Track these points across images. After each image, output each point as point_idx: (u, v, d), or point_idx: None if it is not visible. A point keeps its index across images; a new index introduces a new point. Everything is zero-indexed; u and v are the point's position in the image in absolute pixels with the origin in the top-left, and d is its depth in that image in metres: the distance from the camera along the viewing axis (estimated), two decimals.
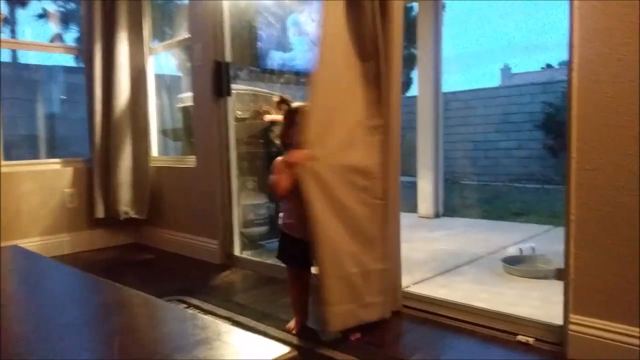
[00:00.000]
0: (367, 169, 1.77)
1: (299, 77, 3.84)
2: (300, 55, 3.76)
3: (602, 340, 1.48)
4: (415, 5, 4.32)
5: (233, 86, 2.91)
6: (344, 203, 1.70)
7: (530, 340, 1.65)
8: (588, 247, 1.51)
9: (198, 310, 2.06)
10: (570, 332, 1.55)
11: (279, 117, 3.04)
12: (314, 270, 1.77)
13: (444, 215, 4.19)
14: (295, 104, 1.80)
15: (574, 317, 1.55)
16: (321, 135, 1.66)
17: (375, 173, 1.79)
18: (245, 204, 2.97)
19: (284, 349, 0.68)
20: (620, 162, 1.43)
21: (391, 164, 1.84)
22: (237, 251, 2.90)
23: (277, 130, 1.85)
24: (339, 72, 1.73)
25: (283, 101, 1.83)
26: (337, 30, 1.73)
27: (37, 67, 5.57)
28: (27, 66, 5.80)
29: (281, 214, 1.84)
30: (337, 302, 1.68)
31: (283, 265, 1.90)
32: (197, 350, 0.72)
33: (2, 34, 3.36)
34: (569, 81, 1.51)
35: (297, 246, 1.77)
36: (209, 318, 0.83)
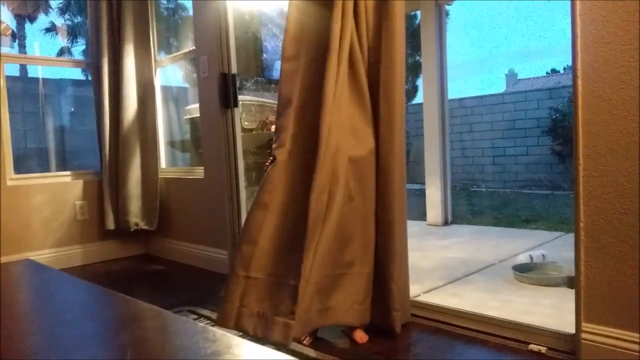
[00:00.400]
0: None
1: None
2: None
3: (615, 348, 1.46)
4: (418, 13, 4.33)
5: (240, 97, 2.93)
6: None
7: (543, 349, 1.64)
8: (598, 254, 1.50)
9: (208, 322, 2.06)
10: (582, 340, 1.53)
11: None
12: None
13: (453, 222, 4.17)
14: None
15: (586, 326, 1.53)
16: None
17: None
18: None
19: None
20: (627, 168, 1.42)
21: (396, 167, 1.82)
22: None
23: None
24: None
25: None
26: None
27: (46, 81, 5.65)
28: (36, 80, 5.88)
29: None
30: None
31: None
32: None
33: (11, 49, 3.41)
34: (574, 88, 1.51)
35: None
36: (219, 331, 0.83)
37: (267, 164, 1.83)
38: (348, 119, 1.77)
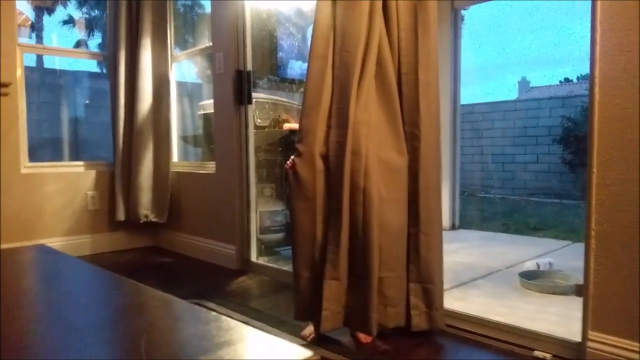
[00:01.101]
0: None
1: None
2: None
3: (621, 358, 1.46)
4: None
5: (253, 94, 2.95)
6: None
7: (548, 356, 1.64)
8: (608, 263, 1.50)
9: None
10: (588, 349, 1.53)
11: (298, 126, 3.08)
12: None
13: (461, 227, 4.16)
14: None
15: (592, 334, 1.53)
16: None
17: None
18: (262, 211, 3.00)
19: (308, 353, 0.70)
20: None
21: (436, 167, 1.85)
22: (253, 257, 2.92)
23: None
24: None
25: None
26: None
27: (62, 72, 5.71)
28: (52, 71, 5.95)
29: None
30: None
31: None
32: (221, 351, 0.74)
33: (29, 39, 3.46)
34: (590, 96, 1.51)
35: None
36: (232, 321, 0.85)
37: (289, 163, 1.84)
38: (376, 119, 1.78)
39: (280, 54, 3.57)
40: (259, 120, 3.05)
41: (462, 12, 4.31)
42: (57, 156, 4.89)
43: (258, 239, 2.97)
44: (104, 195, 3.43)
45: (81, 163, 3.43)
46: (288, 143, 3.02)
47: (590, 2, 1.51)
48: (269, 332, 1.89)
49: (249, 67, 2.90)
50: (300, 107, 3.21)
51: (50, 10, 12.84)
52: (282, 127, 3.11)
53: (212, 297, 2.35)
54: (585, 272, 1.55)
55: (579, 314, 1.58)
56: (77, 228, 3.32)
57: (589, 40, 1.51)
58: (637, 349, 1.43)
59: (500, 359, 1.68)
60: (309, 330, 1.86)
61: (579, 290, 1.61)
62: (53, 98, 5.42)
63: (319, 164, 1.79)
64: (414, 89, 1.80)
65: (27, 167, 3.14)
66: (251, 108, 2.92)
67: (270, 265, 2.85)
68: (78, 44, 12.17)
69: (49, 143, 4.98)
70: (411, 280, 1.83)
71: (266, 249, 3.02)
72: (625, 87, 1.44)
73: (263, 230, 3.00)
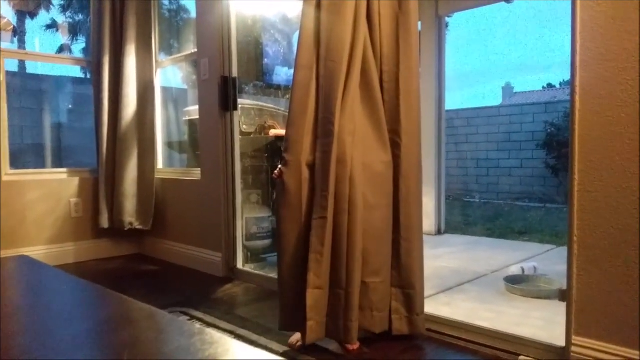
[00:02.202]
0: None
1: None
2: None
3: None
4: (419, 24, 4.37)
5: (239, 101, 2.94)
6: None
7: None
8: (591, 268, 1.52)
9: (200, 323, 2.06)
10: (572, 354, 1.55)
11: (284, 132, 3.08)
12: None
13: (446, 232, 4.19)
14: None
15: (576, 339, 1.55)
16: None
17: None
18: (248, 217, 2.99)
19: None
20: (622, 184, 1.45)
21: (417, 174, 1.86)
22: (240, 264, 2.91)
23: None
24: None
25: None
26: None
27: (45, 77, 5.64)
28: (34, 76, 5.86)
29: None
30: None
31: None
32: None
33: (11, 44, 3.41)
34: (571, 103, 1.54)
35: None
36: (217, 333, 0.84)
37: (276, 173, 1.83)
38: (362, 127, 1.79)
39: (265, 60, 3.57)
40: (244, 126, 3.05)
41: (447, 19, 4.36)
42: (39, 163, 4.81)
43: (244, 246, 2.95)
44: (88, 203, 3.38)
45: (64, 170, 3.38)
46: (274, 149, 3.01)
47: (571, 11, 1.53)
48: (256, 341, 1.88)
49: (235, 73, 2.89)
50: (286, 113, 3.21)
51: (33, 15, 12.68)
52: (268, 134, 3.10)
53: (198, 305, 2.33)
54: (568, 277, 1.57)
55: (563, 319, 1.59)
56: (60, 236, 3.27)
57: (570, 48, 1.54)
58: (620, 353, 1.45)
59: None
60: (296, 337, 1.85)
61: (563, 295, 1.62)
62: (35, 103, 5.35)
63: (305, 173, 1.79)
64: (395, 97, 1.82)
65: (8, 174, 3.09)
66: (237, 114, 2.91)
67: (256, 272, 2.83)
68: (61, 49, 12.03)
69: (31, 149, 4.90)
70: (392, 285, 1.86)
71: (252, 256, 3.01)
72: (605, 96, 1.47)
73: (249, 237, 2.99)
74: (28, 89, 5.43)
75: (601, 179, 1.49)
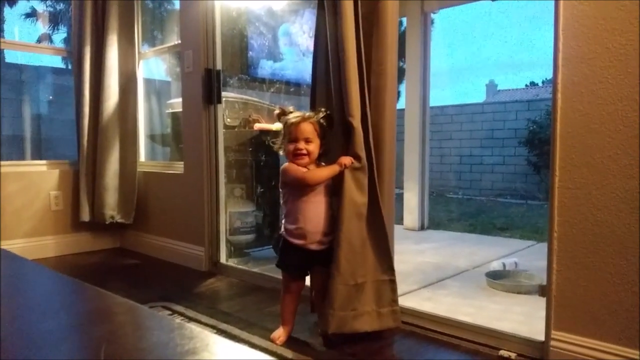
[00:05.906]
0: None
1: (289, 86, 3.86)
2: (291, 65, 3.78)
3: (583, 357, 1.50)
4: (404, 20, 4.38)
5: (223, 94, 2.91)
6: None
7: (513, 355, 1.68)
8: (570, 264, 1.54)
9: (182, 318, 2.05)
10: (551, 348, 1.57)
11: (269, 126, 3.06)
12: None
13: (429, 228, 4.22)
14: (295, 114, 1.80)
15: (555, 334, 1.57)
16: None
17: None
18: (232, 212, 2.97)
19: None
20: (601, 181, 1.47)
21: (385, 173, 1.86)
22: (223, 259, 2.89)
23: (278, 142, 1.84)
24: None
25: (284, 113, 1.83)
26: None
27: (25, 67, 5.52)
28: (13, 66, 5.74)
29: (283, 220, 1.85)
30: (339, 308, 1.75)
31: (271, 274, 1.90)
32: None
33: None
34: (553, 101, 1.55)
35: (297, 254, 1.78)
36: (197, 328, 0.83)
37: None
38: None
39: (250, 53, 3.54)
40: (228, 119, 3.02)
41: (432, 15, 4.37)
42: (18, 155, 4.71)
43: (227, 240, 2.93)
44: (68, 196, 3.33)
45: (44, 162, 3.31)
46: (258, 143, 2.99)
47: (554, 9, 1.55)
48: (237, 335, 1.87)
49: (219, 65, 2.86)
50: (270, 107, 3.20)
51: (12, 2, 12.39)
52: (252, 127, 3.08)
53: (180, 300, 2.31)
54: (548, 272, 1.59)
55: (543, 313, 1.62)
56: (39, 229, 3.21)
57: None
58: (599, 347, 1.48)
59: (466, 359, 1.71)
60: (279, 332, 1.85)
61: (542, 291, 1.65)
62: (14, 94, 5.23)
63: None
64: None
65: None
66: (221, 107, 2.88)
67: (239, 267, 2.82)
68: (41, 39, 11.78)
69: (9, 141, 4.80)
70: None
71: (236, 250, 2.99)
72: (586, 94, 1.49)
73: (233, 231, 2.97)
74: (7, 78, 5.30)
75: (581, 176, 1.51)
